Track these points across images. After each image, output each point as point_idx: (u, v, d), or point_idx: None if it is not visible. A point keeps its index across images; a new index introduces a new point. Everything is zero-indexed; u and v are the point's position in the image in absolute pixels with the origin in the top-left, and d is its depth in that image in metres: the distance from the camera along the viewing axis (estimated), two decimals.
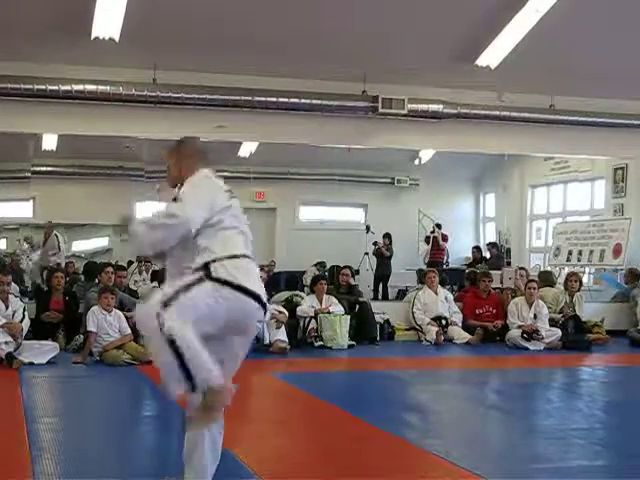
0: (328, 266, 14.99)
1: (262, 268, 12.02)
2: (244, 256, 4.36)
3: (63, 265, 14.39)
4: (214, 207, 4.37)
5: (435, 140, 13.42)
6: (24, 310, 9.66)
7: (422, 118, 12.76)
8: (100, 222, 18.19)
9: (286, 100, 12.15)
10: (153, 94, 11.65)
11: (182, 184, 4.49)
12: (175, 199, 4.37)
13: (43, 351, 9.41)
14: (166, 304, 3.99)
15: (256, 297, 4.26)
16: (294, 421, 6.87)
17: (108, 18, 9.72)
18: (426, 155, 15.81)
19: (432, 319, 12.24)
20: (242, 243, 4.45)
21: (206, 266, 4.19)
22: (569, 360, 10.96)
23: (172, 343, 3.94)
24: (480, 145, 13.59)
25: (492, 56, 11.58)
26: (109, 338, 9.52)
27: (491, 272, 13.40)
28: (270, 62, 11.45)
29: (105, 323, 9.57)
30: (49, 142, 14.61)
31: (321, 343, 11.21)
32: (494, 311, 12.43)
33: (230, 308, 4.18)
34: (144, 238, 4.36)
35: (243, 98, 12.03)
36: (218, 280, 4.15)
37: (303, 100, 12.26)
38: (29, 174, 15.83)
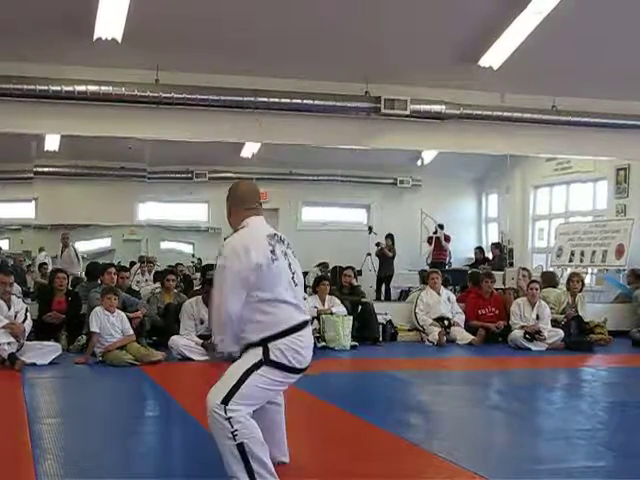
0: (330, 267, 14.98)
1: None
2: (299, 327, 4.65)
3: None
4: (251, 281, 4.56)
5: (437, 141, 13.42)
6: (26, 311, 9.65)
7: (424, 119, 12.77)
8: (102, 223, 18.20)
9: (288, 101, 12.16)
10: (155, 95, 11.66)
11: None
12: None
13: (45, 352, 9.41)
14: (226, 401, 4.40)
15: (303, 370, 4.71)
16: (296, 422, 6.84)
17: (110, 19, 9.72)
18: (428, 156, 15.79)
19: (434, 320, 12.25)
20: (294, 309, 4.68)
21: (264, 344, 4.53)
22: (571, 361, 10.95)
23: (241, 447, 4.37)
24: (482, 146, 13.59)
25: (495, 57, 11.57)
26: (112, 339, 9.53)
27: (494, 273, 13.39)
28: (272, 63, 11.47)
29: (108, 324, 9.58)
30: (51, 143, 14.60)
31: (323, 344, 11.20)
32: (497, 312, 12.44)
33: (280, 386, 4.69)
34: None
35: (245, 99, 12.04)
36: (273, 363, 4.51)
37: (305, 101, 12.27)
38: (31, 175, 15.82)
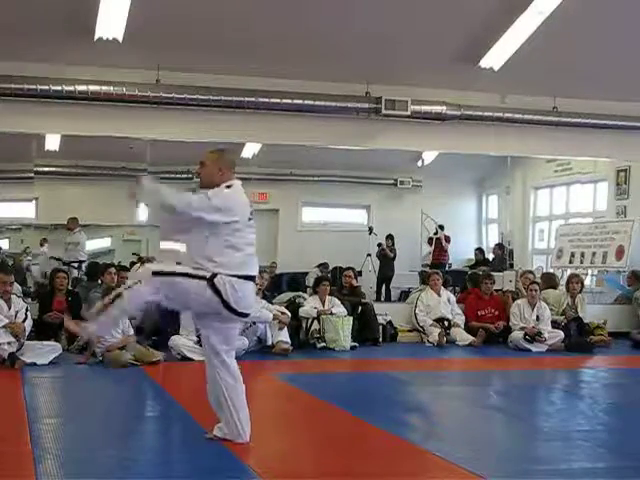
0: (331, 267, 14.99)
1: (262, 271, 12.09)
2: (248, 277, 5.37)
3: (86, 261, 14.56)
4: (236, 215, 5.38)
5: (438, 141, 13.43)
6: (27, 310, 9.65)
7: (425, 120, 12.77)
8: (103, 223, 18.20)
9: (289, 101, 12.16)
10: (156, 95, 11.66)
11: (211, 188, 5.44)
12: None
13: (45, 351, 9.41)
14: (156, 273, 5.20)
15: (239, 314, 5.41)
16: (296, 422, 6.88)
17: (111, 19, 9.73)
18: (429, 156, 15.78)
19: (434, 320, 12.25)
20: (256, 263, 5.52)
21: (214, 275, 5.21)
22: (571, 362, 10.96)
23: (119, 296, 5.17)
24: (483, 147, 13.60)
25: (495, 58, 11.59)
26: (112, 339, 9.52)
27: (494, 274, 13.39)
28: (273, 63, 11.48)
29: None
30: (52, 143, 14.60)
31: (324, 344, 11.21)
32: (496, 313, 12.44)
33: (209, 305, 5.29)
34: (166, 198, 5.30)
35: (246, 99, 12.04)
36: (213, 287, 5.22)
37: (306, 101, 12.27)
38: (32, 175, 15.82)
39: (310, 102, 12.26)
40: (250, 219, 5.52)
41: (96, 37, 10.09)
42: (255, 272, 5.51)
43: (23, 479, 4.75)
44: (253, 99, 12.04)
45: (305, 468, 5.24)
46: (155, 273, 5.21)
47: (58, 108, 11.56)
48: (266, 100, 12.11)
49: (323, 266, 16.36)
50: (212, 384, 5.55)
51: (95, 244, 19.01)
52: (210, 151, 5.74)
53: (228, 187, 5.47)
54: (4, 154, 14.02)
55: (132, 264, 14.65)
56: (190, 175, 18.03)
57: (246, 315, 5.52)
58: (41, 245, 15.54)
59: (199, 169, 5.67)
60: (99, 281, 11.32)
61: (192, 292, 5.24)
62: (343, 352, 11.11)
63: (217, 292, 5.22)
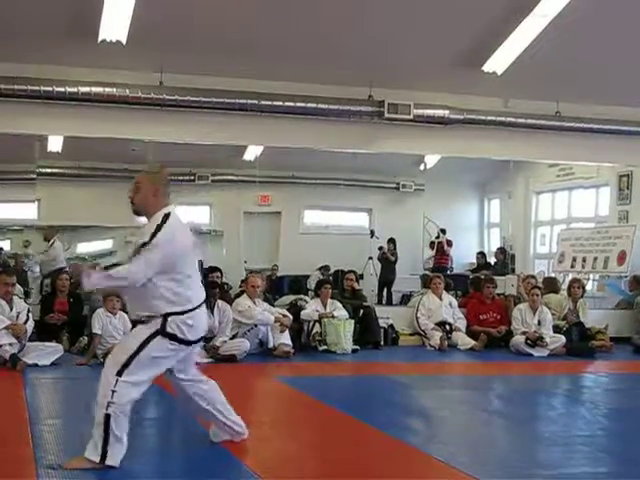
0: (332, 270, 14.99)
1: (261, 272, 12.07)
2: (199, 307, 5.21)
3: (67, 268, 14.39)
4: (177, 260, 5.10)
5: (441, 145, 13.43)
6: (28, 311, 9.65)
7: (428, 123, 12.79)
8: (104, 224, 18.20)
9: (292, 104, 12.18)
10: (159, 97, 11.69)
11: (146, 215, 5.22)
12: (144, 244, 5.03)
13: (47, 352, 9.42)
14: (120, 372, 4.96)
15: (194, 342, 5.29)
16: (297, 425, 6.88)
17: (115, 21, 9.74)
18: (431, 160, 15.78)
19: (436, 324, 12.27)
20: (199, 288, 5.33)
21: (164, 318, 5.05)
22: (573, 367, 10.95)
23: (107, 418, 4.94)
24: (485, 151, 13.61)
25: (498, 62, 11.61)
26: (113, 340, 9.50)
27: (495, 278, 13.39)
28: (276, 66, 11.49)
29: (110, 326, 9.58)
30: (55, 144, 14.60)
31: (325, 347, 11.21)
32: (498, 317, 12.45)
33: (175, 356, 5.18)
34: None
35: (249, 101, 12.05)
36: (169, 335, 5.06)
37: (309, 104, 12.29)
38: (34, 176, 15.82)
39: (313, 105, 12.28)
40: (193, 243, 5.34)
41: (99, 39, 10.11)
42: (203, 295, 5.35)
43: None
44: (256, 101, 12.06)
45: (306, 470, 5.24)
46: (119, 372, 4.97)
47: (61, 109, 11.58)
48: (269, 103, 12.13)
49: (324, 269, 16.35)
50: (188, 402, 5.55)
51: (97, 246, 19.02)
52: (145, 171, 5.43)
53: (165, 218, 5.11)
54: (7, 155, 14.03)
55: None
56: (192, 177, 18.12)
57: (202, 338, 5.47)
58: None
59: (132, 193, 5.28)
60: None
61: (158, 355, 5.08)
62: (344, 355, 11.11)
63: (172, 337, 5.08)
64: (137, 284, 4.99)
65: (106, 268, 5.15)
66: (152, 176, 5.32)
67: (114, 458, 4.96)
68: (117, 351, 5.16)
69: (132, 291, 5.13)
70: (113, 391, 4.95)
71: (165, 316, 5.06)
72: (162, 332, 5.05)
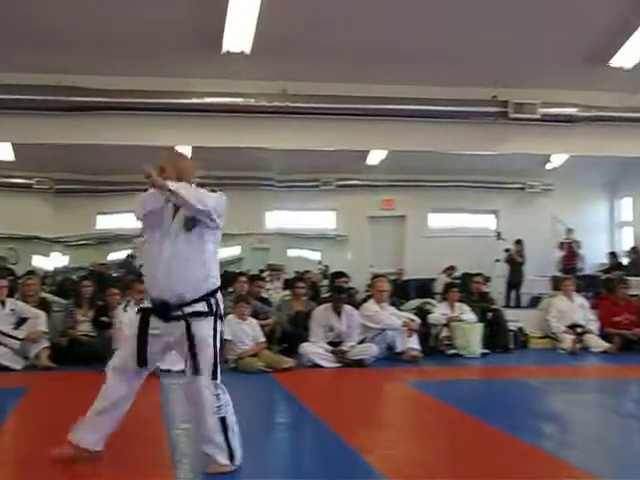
0: (459, 273, 14.87)
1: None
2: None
3: None
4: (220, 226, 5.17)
5: (569, 144, 13.14)
6: None
7: (555, 122, 12.54)
8: (232, 232, 18.50)
9: (415, 107, 12.15)
10: (283, 105, 11.84)
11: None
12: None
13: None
14: (214, 375, 5.01)
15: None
16: (427, 429, 6.84)
17: (239, 32, 9.89)
18: (558, 159, 15.49)
19: (567, 327, 12.01)
20: None
21: (213, 295, 5.05)
22: None
23: (223, 420, 4.99)
24: (616, 148, 13.22)
25: (627, 56, 11.27)
26: (244, 346, 9.69)
27: (629, 279, 13.02)
28: (398, 70, 11.47)
29: (240, 331, 9.74)
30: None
31: (453, 351, 11.12)
32: (633, 319, 12.08)
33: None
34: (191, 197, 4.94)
35: (372, 106, 12.09)
36: (220, 317, 5.12)
37: (432, 107, 12.23)
38: None
39: (436, 107, 12.23)
40: None
41: (223, 50, 10.29)
42: None
43: None
44: (379, 106, 12.09)
45: (436, 474, 5.20)
46: (214, 376, 5.00)
47: (188, 121, 11.88)
48: (392, 107, 12.14)
49: (450, 269, 16.27)
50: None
51: (225, 252, 19.36)
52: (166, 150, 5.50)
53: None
54: (137, 167, 14.44)
55: (261, 272, 14.84)
56: (317, 183, 18.27)
57: None
58: None
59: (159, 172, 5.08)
60: (230, 289, 11.51)
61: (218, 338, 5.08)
62: (473, 359, 11.00)
63: (221, 317, 5.16)
64: (205, 207, 4.93)
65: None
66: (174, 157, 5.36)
67: (240, 453, 5.06)
68: (200, 360, 5.01)
69: (185, 265, 5.00)
70: (217, 395, 5.00)
71: (212, 296, 5.04)
72: (218, 316, 5.08)
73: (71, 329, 10.25)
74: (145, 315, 5.11)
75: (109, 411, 5.15)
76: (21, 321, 9.87)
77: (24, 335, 9.64)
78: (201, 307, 5.01)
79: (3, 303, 9.89)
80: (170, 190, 4.87)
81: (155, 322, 5.07)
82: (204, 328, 5.01)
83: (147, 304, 5.14)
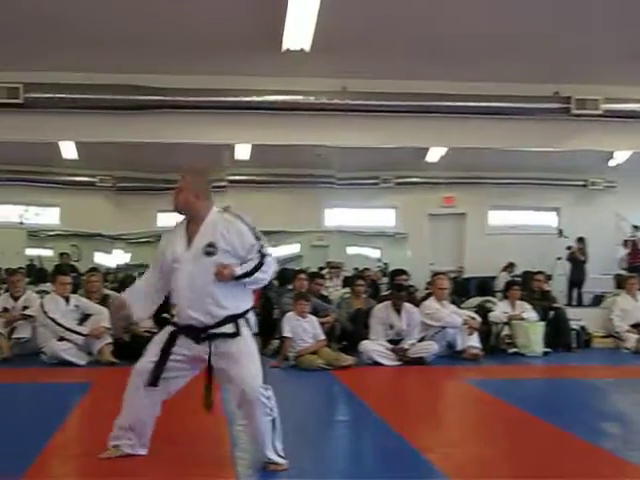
0: (520, 271, 14.73)
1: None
2: None
3: None
4: None
5: (632, 140, 12.94)
6: None
7: (618, 118, 12.36)
8: (291, 229, 18.57)
9: (475, 104, 12.07)
10: (343, 102, 11.83)
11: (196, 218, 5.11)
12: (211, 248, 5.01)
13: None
14: (265, 380, 5.05)
15: None
16: (489, 428, 6.78)
17: (299, 30, 9.90)
18: (622, 156, 15.24)
19: (631, 326, 11.85)
20: None
21: (245, 320, 5.06)
22: None
23: (273, 422, 5.06)
24: None
25: None
26: (304, 343, 9.70)
27: None
28: (459, 66, 11.39)
29: (300, 329, 9.75)
30: (242, 152, 15.05)
31: (515, 350, 11.03)
32: None
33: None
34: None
35: (432, 103, 12.02)
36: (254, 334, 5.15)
37: (493, 103, 12.13)
38: (224, 184, 16.34)
39: (497, 104, 12.12)
40: None
41: (283, 48, 10.31)
42: None
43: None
44: (439, 103, 12.01)
45: (498, 473, 5.16)
46: (264, 381, 5.05)
47: (248, 119, 11.94)
48: (452, 104, 12.06)
49: (510, 266, 16.13)
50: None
51: (284, 250, 19.43)
52: (186, 171, 5.29)
53: (240, 218, 5.23)
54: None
55: (320, 269, 14.82)
56: (376, 181, 18.23)
57: None
58: None
59: (176, 191, 5.15)
60: (289, 286, 11.55)
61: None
62: (535, 358, 10.90)
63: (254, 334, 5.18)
64: (273, 273, 5.24)
65: None
66: (190, 179, 5.22)
67: (282, 453, 5.08)
68: (248, 367, 5.01)
69: (223, 290, 4.99)
70: (268, 397, 5.03)
71: (243, 316, 5.05)
72: (254, 334, 5.14)
73: (133, 325, 10.34)
74: (173, 335, 5.11)
75: (137, 417, 5.17)
76: (85, 317, 10.02)
77: (88, 331, 9.79)
78: (228, 329, 5.01)
79: (67, 299, 10.04)
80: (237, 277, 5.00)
81: (183, 341, 5.09)
82: (245, 344, 5.04)
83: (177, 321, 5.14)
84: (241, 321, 5.04)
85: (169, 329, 5.14)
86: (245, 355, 5.00)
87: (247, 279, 5.01)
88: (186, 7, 9.57)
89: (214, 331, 5.00)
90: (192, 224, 5.12)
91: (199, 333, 5.02)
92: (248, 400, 4.99)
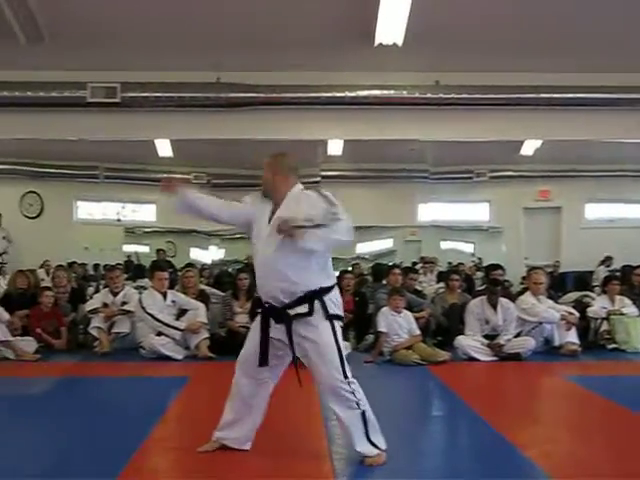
0: (619, 265, 14.43)
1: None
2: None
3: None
4: None
5: None
6: None
7: None
8: (384, 224, 18.58)
9: (571, 95, 11.84)
10: (436, 96, 11.75)
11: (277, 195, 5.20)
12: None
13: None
14: (345, 374, 4.99)
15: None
16: (589, 425, 6.66)
17: (392, 24, 9.88)
18: None
19: None
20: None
21: (322, 303, 5.00)
22: None
23: (364, 415, 5.04)
24: None
25: None
26: (399, 339, 9.68)
27: None
28: (552, 57, 11.18)
29: (395, 324, 9.73)
30: (335, 147, 15.11)
31: (614, 346, 10.81)
32: None
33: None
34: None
35: (525, 96, 11.85)
36: (336, 317, 5.08)
37: (588, 94, 11.90)
38: (318, 179, 16.44)
39: (592, 95, 11.88)
40: None
41: (376, 43, 10.29)
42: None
43: (321, 477, 4.94)
44: (532, 95, 11.83)
45: (600, 472, 5.07)
46: (344, 375, 4.99)
47: (341, 114, 11.97)
48: (546, 95, 11.86)
49: (607, 260, 15.84)
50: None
51: (377, 245, 19.46)
52: (268, 156, 5.45)
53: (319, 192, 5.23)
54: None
55: (413, 264, 14.77)
56: (470, 175, 18.11)
57: None
58: None
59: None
60: (383, 281, 11.54)
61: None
62: (635, 354, 10.64)
63: (338, 317, 5.12)
64: (349, 242, 5.06)
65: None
66: (269, 161, 5.39)
67: (382, 445, 5.11)
68: (326, 361, 5.00)
69: (292, 264, 4.99)
70: (352, 392, 4.99)
71: (320, 297, 5.01)
72: (334, 316, 5.04)
73: (229, 320, 10.47)
74: (264, 315, 5.17)
75: (243, 409, 5.25)
76: (181, 312, 10.18)
77: (185, 326, 9.94)
78: (303, 309, 5.01)
79: (165, 295, 10.21)
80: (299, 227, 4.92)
81: (273, 326, 5.13)
82: (322, 333, 5.01)
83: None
84: (317, 303, 5.02)
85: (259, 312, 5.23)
86: (322, 347, 5.00)
87: (312, 233, 4.88)
88: (279, 5, 9.64)
89: (290, 311, 5.02)
90: (275, 204, 5.23)
91: (280, 312, 5.05)
92: (329, 395, 5.05)
